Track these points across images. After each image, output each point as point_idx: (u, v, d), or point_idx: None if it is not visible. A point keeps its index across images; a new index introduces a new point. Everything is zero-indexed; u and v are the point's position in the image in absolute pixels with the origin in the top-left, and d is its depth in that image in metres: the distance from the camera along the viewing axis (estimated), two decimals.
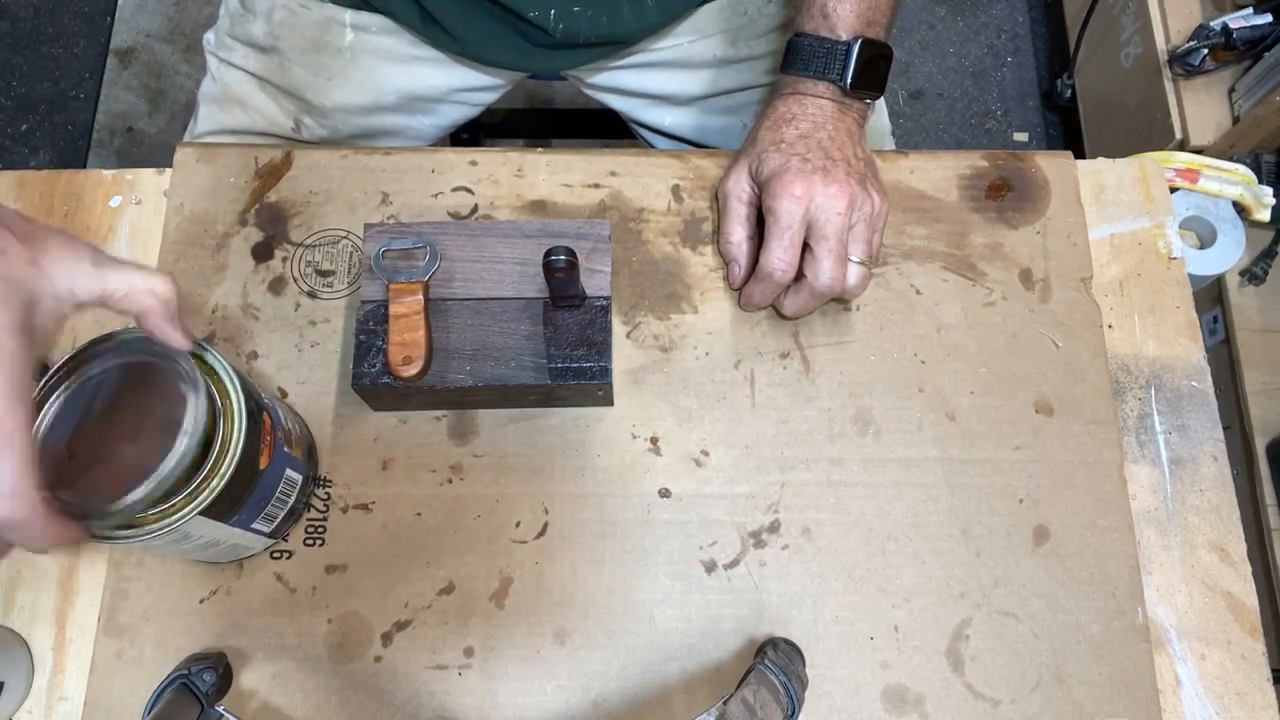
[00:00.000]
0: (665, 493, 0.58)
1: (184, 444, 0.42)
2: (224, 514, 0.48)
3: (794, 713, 0.47)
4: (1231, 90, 1.24)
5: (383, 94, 0.76)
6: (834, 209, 0.56)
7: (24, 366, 0.35)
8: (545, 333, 0.56)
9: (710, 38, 0.77)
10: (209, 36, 0.78)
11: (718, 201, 0.64)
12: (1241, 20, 1.19)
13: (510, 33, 0.71)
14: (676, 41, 0.77)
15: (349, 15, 0.73)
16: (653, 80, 0.80)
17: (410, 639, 0.55)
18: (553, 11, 0.68)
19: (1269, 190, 0.74)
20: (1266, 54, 1.17)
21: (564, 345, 0.56)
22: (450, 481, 0.58)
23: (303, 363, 0.61)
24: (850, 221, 0.57)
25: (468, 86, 0.79)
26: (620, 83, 0.81)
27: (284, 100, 0.76)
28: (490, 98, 0.83)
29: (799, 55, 0.61)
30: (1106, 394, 0.61)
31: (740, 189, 0.62)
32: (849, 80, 0.60)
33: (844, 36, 0.60)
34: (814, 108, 0.61)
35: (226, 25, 0.77)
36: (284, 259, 0.63)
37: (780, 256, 0.57)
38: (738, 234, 0.62)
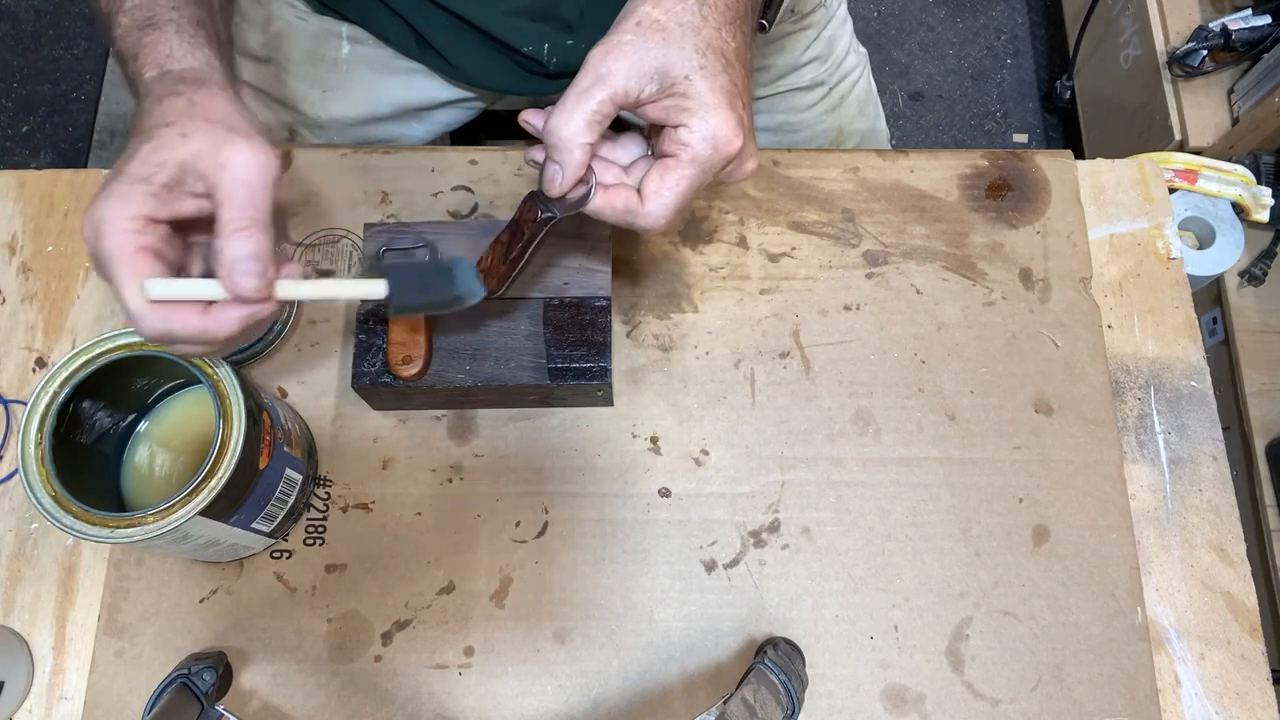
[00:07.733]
0: (665, 492, 0.58)
1: None
2: (224, 514, 0.48)
3: (794, 712, 0.47)
4: (1230, 91, 1.24)
5: (378, 105, 0.76)
6: (740, 174, 0.45)
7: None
8: (545, 333, 0.56)
9: None
10: None
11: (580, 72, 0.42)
12: (1240, 22, 1.19)
13: (505, 61, 0.71)
14: None
15: (345, 28, 0.73)
16: None
17: (410, 639, 0.55)
18: (546, 46, 0.68)
19: (1268, 191, 0.74)
20: (1265, 55, 1.17)
21: (563, 345, 0.56)
22: (450, 481, 0.58)
23: (303, 363, 0.61)
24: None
25: (464, 97, 0.79)
26: None
27: (279, 110, 0.76)
28: (488, 99, 0.83)
29: None
30: (1106, 394, 0.61)
31: (628, 83, 0.41)
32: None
33: None
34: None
35: None
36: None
37: (677, 208, 0.43)
38: (579, 128, 0.42)
